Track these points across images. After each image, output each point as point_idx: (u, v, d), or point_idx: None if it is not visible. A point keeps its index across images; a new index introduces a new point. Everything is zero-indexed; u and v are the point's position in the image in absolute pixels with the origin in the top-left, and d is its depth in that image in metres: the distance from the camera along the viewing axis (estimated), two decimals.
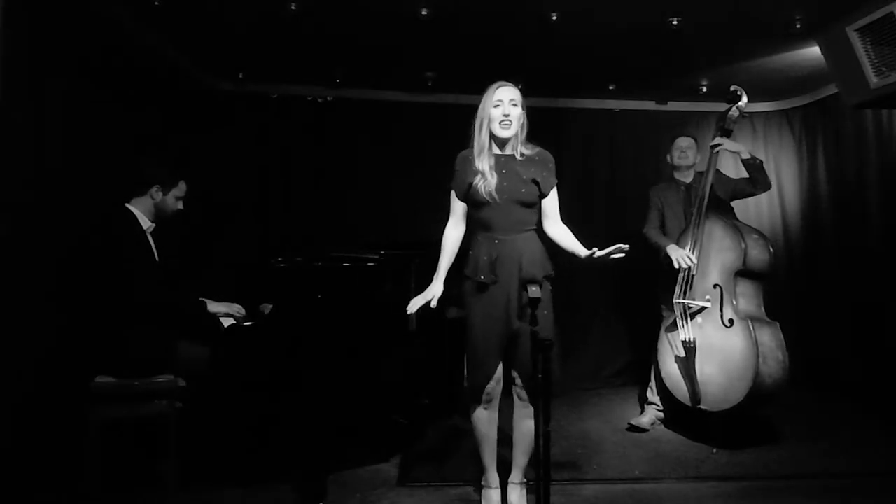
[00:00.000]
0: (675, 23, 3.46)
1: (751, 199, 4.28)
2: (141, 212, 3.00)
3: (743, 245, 3.56)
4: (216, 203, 4.52)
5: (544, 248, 2.73)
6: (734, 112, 3.77)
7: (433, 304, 2.66)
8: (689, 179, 4.01)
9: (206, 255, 4.35)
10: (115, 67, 3.42)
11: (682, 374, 3.69)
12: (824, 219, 4.93)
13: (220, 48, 4.10)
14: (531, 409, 2.66)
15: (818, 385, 4.74)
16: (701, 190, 3.74)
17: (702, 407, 3.59)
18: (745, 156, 3.77)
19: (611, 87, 4.80)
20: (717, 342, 3.56)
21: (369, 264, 3.25)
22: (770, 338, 3.49)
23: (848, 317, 4.69)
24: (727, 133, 3.80)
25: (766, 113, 5.24)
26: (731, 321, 3.53)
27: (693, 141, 4.07)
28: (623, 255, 2.51)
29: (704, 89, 4.70)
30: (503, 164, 2.66)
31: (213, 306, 3.05)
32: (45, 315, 2.82)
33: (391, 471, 3.28)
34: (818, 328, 4.89)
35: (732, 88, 3.78)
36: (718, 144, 3.75)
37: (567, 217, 2.79)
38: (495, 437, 2.82)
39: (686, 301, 3.69)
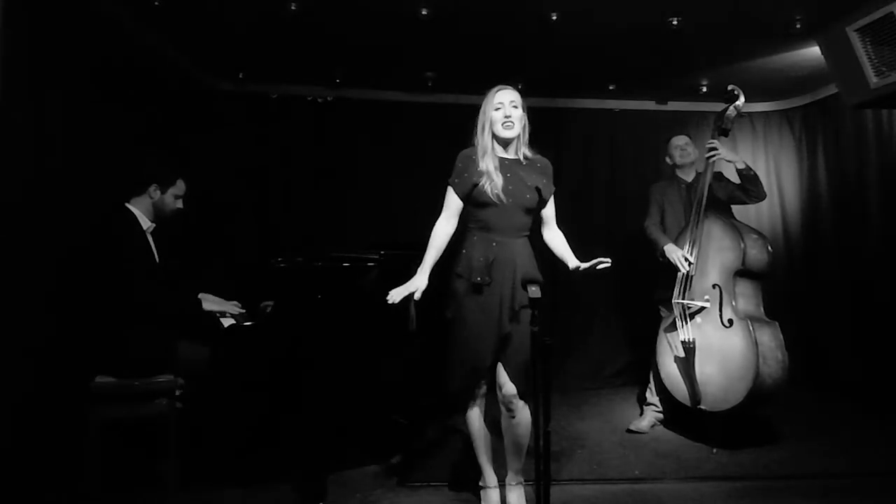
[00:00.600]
0: (675, 23, 3.47)
1: None
2: (141, 212, 2.99)
3: (742, 245, 3.56)
4: (216, 203, 4.52)
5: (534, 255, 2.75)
6: (731, 111, 3.75)
7: (417, 296, 2.60)
8: (690, 178, 4.01)
9: (206, 255, 4.35)
10: (115, 67, 3.42)
11: (681, 374, 3.68)
12: (824, 219, 4.93)
13: (220, 48, 4.10)
14: (518, 415, 2.67)
15: (818, 385, 4.74)
16: (699, 190, 3.73)
17: (701, 407, 3.59)
18: (741, 166, 3.76)
19: (611, 87, 4.80)
20: (716, 342, 3.56)
21: (369, 264, 3.25)
22: (770, 338, 3.49)
23: (848, 317, 4.69)
24: (725, 133, 3.78)
25: (766, 113, 5.25)
26: (730, 321, 3.53)
27: (688, 138, 4.09)
28: (608, 265, 2.54)
29: (704, 89, 4.70)
30: (507, 167, 2.66)
31: (209, 304, 3.04)
32: (45, 315, 2.82)
33: (391, 471, 3.28)
34: (818, 328, 4.89)
35: (730, 88, 3.75)
36: (714, 148, 3.70)
37: (567, 217, 2.81)
38: (488, 434, 2.82)
39: (685, 301, 3.68)
